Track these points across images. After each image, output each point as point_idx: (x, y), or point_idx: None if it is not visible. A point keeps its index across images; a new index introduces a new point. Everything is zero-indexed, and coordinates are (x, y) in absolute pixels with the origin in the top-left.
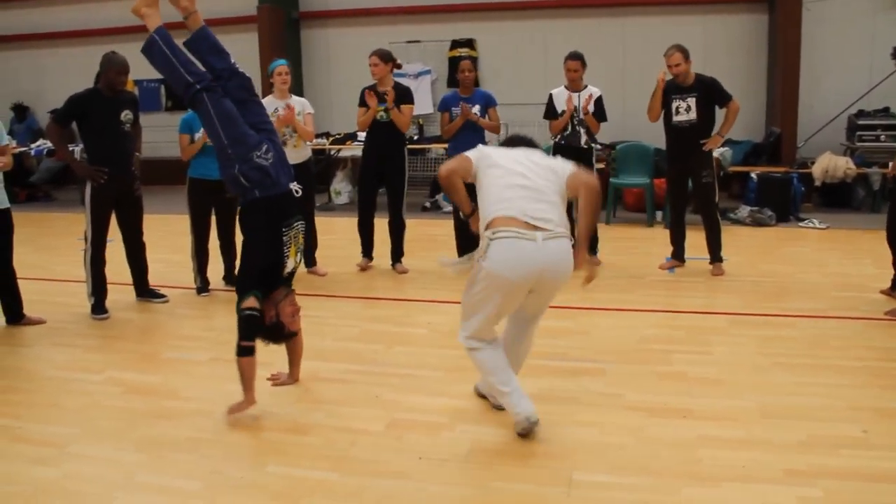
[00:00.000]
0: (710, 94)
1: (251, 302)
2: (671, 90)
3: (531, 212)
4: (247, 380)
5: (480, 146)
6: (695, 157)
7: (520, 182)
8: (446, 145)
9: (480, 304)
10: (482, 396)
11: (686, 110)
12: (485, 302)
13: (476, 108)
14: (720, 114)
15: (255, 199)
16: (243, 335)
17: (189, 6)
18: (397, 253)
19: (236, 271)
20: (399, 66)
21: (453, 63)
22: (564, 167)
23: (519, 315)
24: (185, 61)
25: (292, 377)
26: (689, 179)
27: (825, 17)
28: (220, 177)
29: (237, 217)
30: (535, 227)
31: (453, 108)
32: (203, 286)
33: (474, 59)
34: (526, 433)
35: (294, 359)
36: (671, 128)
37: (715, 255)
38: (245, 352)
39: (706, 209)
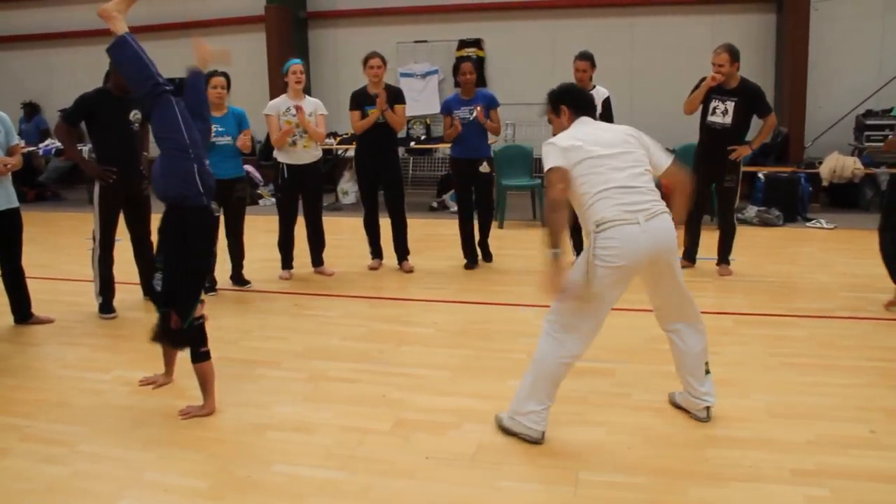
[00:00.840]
0: (752, 101)
1: (200, 310)
2: (713, 89)
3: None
4: (209, 384)
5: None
6: (722, 161)
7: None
8: (450, 145)
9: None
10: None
11: (723, 113)
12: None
13: (479, 110)
14: (755, 122)
15: (203, 206)
16: (200, 342)
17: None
18: (402, 251)
19: (185, 276)
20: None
21: (460, 63)
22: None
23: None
24: (151, 62)
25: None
26: (712, 182)
27: (834, 16)
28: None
29: (166, 217)
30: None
31: (455, 112)
32: (210, 285)
33: (481, 60)
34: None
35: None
36: (704, 126)
37: (723, 257)
38: (205, 356)
39: (724, 213)
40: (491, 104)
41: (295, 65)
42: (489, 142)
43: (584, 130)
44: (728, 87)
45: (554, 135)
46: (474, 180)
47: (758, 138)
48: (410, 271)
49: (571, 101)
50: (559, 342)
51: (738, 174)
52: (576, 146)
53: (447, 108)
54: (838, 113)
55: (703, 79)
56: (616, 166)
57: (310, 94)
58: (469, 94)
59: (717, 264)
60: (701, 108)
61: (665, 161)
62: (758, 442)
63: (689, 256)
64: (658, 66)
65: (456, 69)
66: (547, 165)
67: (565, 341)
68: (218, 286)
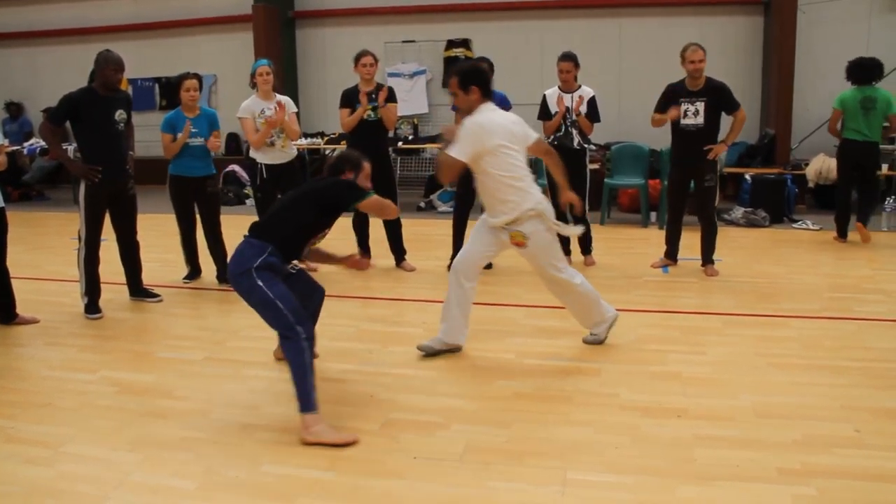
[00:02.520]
0: (720, 99)
1: None
2: (680, 93)
3: None
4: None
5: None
6: (699, 161)
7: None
8: (441, 145)
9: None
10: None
11: (694, 114)
12: None
13: None
14: (726, 119)
15: None
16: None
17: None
18: (399, 251)
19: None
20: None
21: (448, 63)
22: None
23: None
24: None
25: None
26: (690, 182)
27: (820, 19)
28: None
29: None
30: None
31: (457, 110)
32: (191, 274)
33: (469, 60)
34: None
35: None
36: (677, 130)
37: (707, 258)
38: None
39: (704, 212)
40: (502, 106)
41: (261, 66)
42: None
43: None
44: (694, 88)
45: (460, 109)
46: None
47: (730, 134)
48: (412, 270)
49: (484, 84)
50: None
51: (716, 173)
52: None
53: (456, 106)
54: (824, 115)
55: (670, 87)
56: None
57: (297, 94)
58: None
59: (703, 265)
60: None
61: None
62: (744, 441)
63: (671, 255)
64: (646, 66)
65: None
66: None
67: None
68: (203, 285)
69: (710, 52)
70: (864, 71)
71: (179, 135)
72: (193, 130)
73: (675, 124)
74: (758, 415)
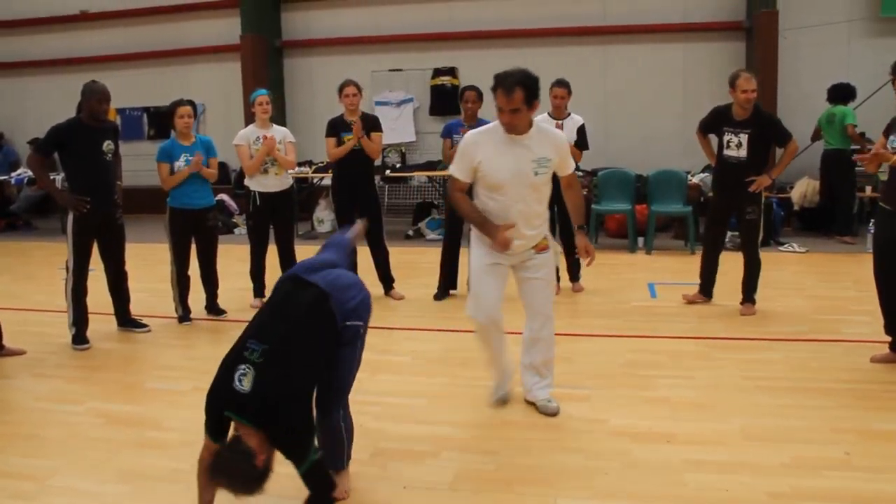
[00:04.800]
0: (767, 131)
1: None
2: (724, 121)
3: None
4: None
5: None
6: (741, 192)
7: None
8: (429, 173)
9: None
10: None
11: (737, 146)
12: None
13: None
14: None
15: None
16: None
17: None
18: (387, 280)
19: None
20: None
21: (435, 91)
22: None
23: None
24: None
25: None
26: (731, 214)
27: (801, 44)
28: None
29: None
30: None
31: (455, 136)
32: (185, 315)
33: (455, 88)
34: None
35: None
36: (721, 159)
37: (748, 296)
38: None
39: (748, 246)
40: None
41: (261, 96)
42: None
43: None
44: (740, 118)
45: (513, 127)
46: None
47: (778, 166)
48: (401, 298)
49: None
50: None
51: (759, 205)
52: None
53: (447, 132)
54: (807, 138)
55: (716, 110)
56: None
57: (285, 123)
58: (471, 121)
59: (742, 302)
60: (717, 141)
61: None
62: (733, 465)
63: (706, 291)
64: (631, 91)
65: (437, 96)
66: None
67: None
68: (193, 316)
69: (693, 77)
70: (837, 92)
71: (178, 164)
72: (189, 158)
73: (720, 152)
74: (747, 438)
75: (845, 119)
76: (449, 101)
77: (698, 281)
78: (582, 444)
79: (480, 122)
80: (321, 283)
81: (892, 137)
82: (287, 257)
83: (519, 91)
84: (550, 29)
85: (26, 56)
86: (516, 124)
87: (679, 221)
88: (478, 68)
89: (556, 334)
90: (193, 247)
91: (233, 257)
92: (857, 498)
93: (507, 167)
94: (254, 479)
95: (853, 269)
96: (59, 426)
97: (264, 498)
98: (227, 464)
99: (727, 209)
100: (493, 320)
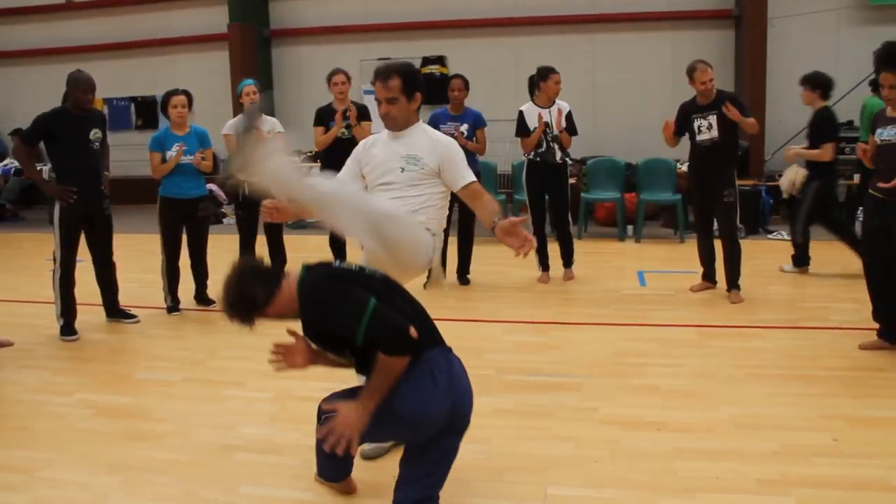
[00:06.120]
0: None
1: None
2: (691, 109)
3: None
4: None
5: None
6: (717, 176)
7: None
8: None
9: None
10: None
11: (707, 128)
12: None
13: (465, 128)
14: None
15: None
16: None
17: None
18: None
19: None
20: None
21: (424, 80)
22: None
23: None
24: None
25: None
26: (712, 196)
27: (790, 32)
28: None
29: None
30: None
31: (441, 127)
32: (174, 305)
33: (444, 76)
34: None
35: None
36: (694, 146)
37: (732, 282)
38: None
39: (726, 230)
40: (478, 123)
41: (248, 85)
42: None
43: None
44: (705, 102)
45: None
46: (457, 198)
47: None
48: None
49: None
50: None
51: (735, 188)
52: None
53: (434, 122)
54: (797, 126)
55: (681, 106)
56: None
57: (273, 112)
58: (458, 111)
59: (728, 290)
60: (687, 132)
61: None
62: (724, 453)
63: (709, 277)
64: (620, 80)
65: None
66: None
67: None
68: (182, 306)
69: (682, 66)
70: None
71: (169, 153)
72: (185, 149)
73: (692, 140)
74: (736, 426)
75: None
76: (438, 90)
77: (688, 269)
78: (572, 432)
79: (467, 112)
80: None
81: (878, 130)
82: (276, 247)
83: (396, 78)
84: (539, 17)
85: (11, 46)
86: (394, 115)
87: (668, 210)
88: (467, 57)
89: (547, 322)
90: (184, 237)
91: (221, 247)
92: (846, 484)
93: (378, 159)
94: (247, 302)
95: (841, 257)
96: (48, 418)
97: (261, 489)
98: (246, 279)
99: (704, 194)
100: None
